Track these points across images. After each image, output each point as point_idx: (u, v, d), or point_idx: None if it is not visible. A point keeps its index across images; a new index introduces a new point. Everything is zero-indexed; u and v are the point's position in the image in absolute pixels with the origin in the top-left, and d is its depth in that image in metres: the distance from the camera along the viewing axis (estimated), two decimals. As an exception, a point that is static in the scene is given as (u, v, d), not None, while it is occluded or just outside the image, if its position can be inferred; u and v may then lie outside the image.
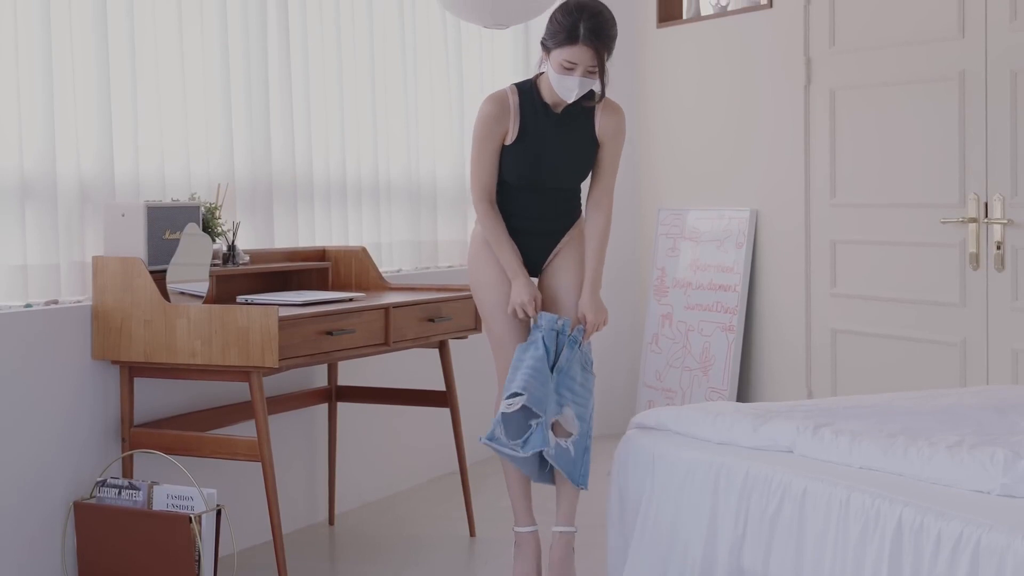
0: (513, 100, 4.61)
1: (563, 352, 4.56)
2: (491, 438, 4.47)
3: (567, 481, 4.60)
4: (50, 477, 4.49)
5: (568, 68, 4.43)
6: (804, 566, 3.49)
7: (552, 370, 4.52)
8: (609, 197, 4.72)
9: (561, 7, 4.47)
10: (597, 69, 4.44)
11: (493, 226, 4.63)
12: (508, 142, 4.60)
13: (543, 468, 4.62)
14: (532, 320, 4.61)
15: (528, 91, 4.63)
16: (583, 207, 4.77)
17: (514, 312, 4.59)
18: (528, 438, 4.42)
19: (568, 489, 4.64)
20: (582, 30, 4.38)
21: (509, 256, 4.62)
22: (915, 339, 6.14)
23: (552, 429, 4.46)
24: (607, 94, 4.64)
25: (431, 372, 5.80)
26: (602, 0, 4.53)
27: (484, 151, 4.61)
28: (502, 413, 4.44)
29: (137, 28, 4.90)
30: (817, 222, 6.66)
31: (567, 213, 4.75)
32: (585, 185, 4.77)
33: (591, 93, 4.59)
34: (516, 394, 4.41)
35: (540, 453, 4.48)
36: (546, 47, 4.51)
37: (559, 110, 4.60)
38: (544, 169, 4.62)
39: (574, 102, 4.54)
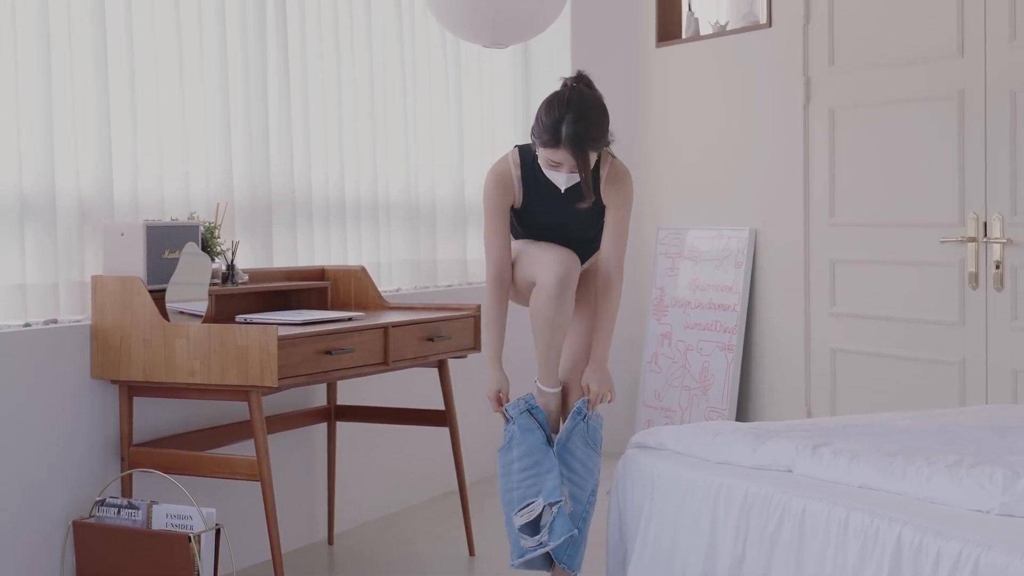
0: (515, 173, 4.58)
1: (565, 423, 4.52)
2: (521, 555, 4.40)
3: None
4: (49, 496, 4.49)
5: (553, 165, 4.38)
6: (803, 585, 3.49)
7: (551, 443, 4.48)
8: (618, 269, 4.63)
9: (547, 102, 4.37)
10: (581, 167, 4.33)
11: (493, 306, 4.60)
12: (516, 206, 4.61)
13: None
14: (500, 412, 4.57)
15: (531, 163, 4.56)
16: None
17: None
18: (552, 525, 4.34)
19: None
20: (563, 134, 4.28)
21: (494, 341, 4.59)
22: (914, 358, 6.14)
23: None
24: (615, 153, 4.62)
25: (430, 391, 5.80)
26: (591, 92, 4.44)
27: (494, 223, 4.60)
28: (519, 527, 4.40)
29: (136, 47, 4.92)
30: (816, 241, 6.66)
31: (592, 240, 4.73)
32: None
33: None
34: (529, 503, 4.38)
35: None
36: (533, 141, 4.44)
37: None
38: (553, 232, 4.64)
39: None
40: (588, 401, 4.53)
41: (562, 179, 4.40)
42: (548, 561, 4.50)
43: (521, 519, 4.39)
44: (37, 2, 4.50)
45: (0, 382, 4.31)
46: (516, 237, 4.74)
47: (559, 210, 4.58)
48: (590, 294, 4.73)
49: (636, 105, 7.77)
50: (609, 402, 4.62)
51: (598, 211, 4.62)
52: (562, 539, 4.32)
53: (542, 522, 4.38)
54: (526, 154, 4.59)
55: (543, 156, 4.38)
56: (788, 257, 6.81)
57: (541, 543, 4.36)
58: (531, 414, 4.50)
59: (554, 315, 4.46)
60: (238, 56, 5.40)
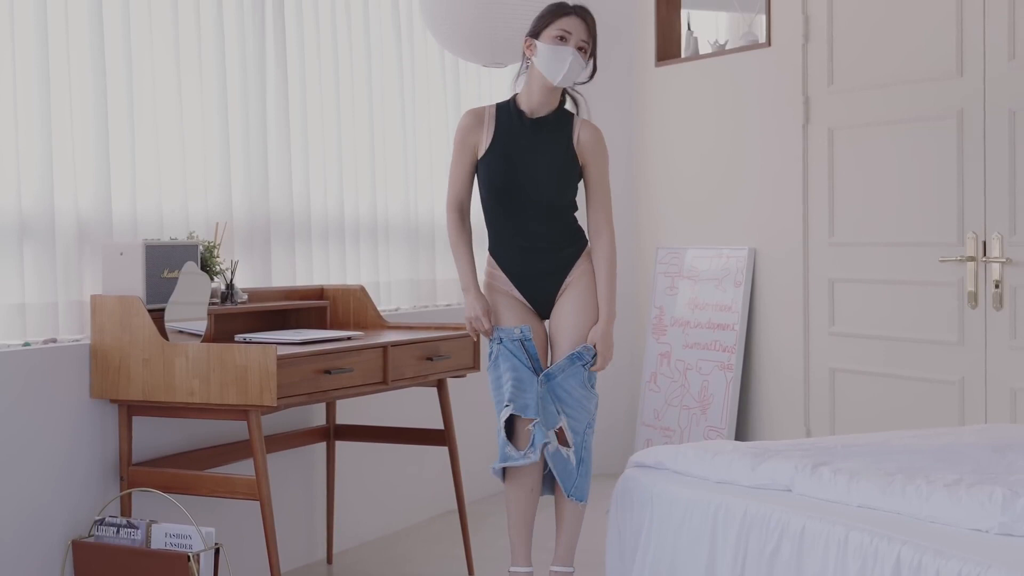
0: (489, 111, 4.74)
1: (559, 362, 4.63)
2: (504, 459, 4.54)
3: (566, 519, 4.62)
4: (48, 516, 4.48)
5: (563, 38, 4.59)
6: (803, 605, 3.48)
7: (538, 373, 4.61)
8: (608, 221, 4.76)
9: (546, 6, 4.73)
10: (588, 46, 4.62)
11: (456, 234, 4.77)
12: (482, 152, 4.70)
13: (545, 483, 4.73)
14: (486, 334, 4.71)
15: (505, 104, 4.75)
16: (585, 236, 4.80)
17: (472, 328, 4.74)
18: (533, 441, 4.49)
19: (567, 528, 4.64)
20: (572, 6, 4.62)
21: (464, 267, 4.74)
22: (913, 378, 6.13)
23: (557, 436, 4.54)
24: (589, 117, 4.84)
25: (429, 411, 5.80)
26: None
27: (458, 161, 4.75)
28: (503, 427, 4.53)
29: (135, 66, 4.92)
30: (815, 261, 6.66)
31: (563, 237, 4.74)
32: (580, 216, 4.80)
33: (567, 113, 4.74)
34: (505, 405, 4.55)
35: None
36: (534, 34, 4.65)
37: (535, 116, 4.69)
38: (518, 172, 4.66)
39: (549, 115, 4.68)
40: (595, 356, 4.66)
41: (567, 54, 4.58)
42: (550, 486, 4.71)
43: (502, 420, 4.55)
44: (35, 22, 4.51)
45: (-1, 401, 4.32)
46: (492, 221, 4.80)
47: (525, 150, 4.67)
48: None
49: (635, 124, 7.78)
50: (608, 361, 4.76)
51: (567, 158, 4.71)
52: (540, 447, 4.48)
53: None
54: (502, 102, 4.78)
55: (550, 33, 4.62)
56: (787, 276, 6.81)
57: (526, 455, 4.50)
58: (523, 345, 4.63)
59: (525, 508, 4.65)
60: (237, 75, 5.41)
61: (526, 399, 4.52)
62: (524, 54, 4.71)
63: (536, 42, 4.62)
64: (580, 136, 4.70)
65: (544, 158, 4.65)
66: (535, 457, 4.47)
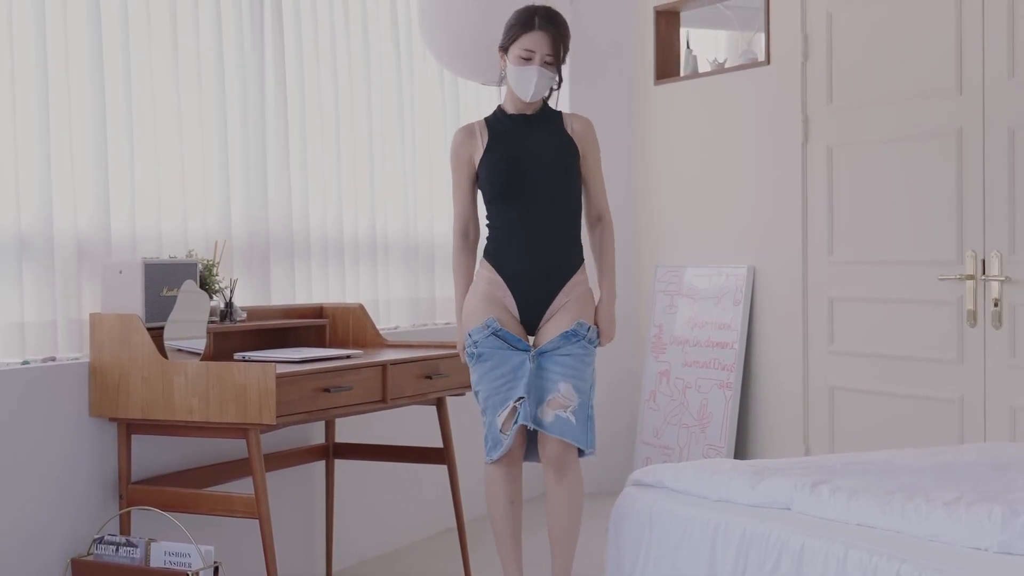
0: (479, 123, 4.79)
1: (552, 339, 4.62)
2: (497, 445, 4.60)
3: (560, 539, 4.61)
4: (47, 534, 4.48)
5: (526, 58, 4.61)
6: (802, 624, 3.48)
7: (529, 352, 4.63)
8: (607, 208, 4.84)
9: (515, 11, 4.70)
10: (553, 58, 4.62)
11: (457, 261, 4.83)
12: (479, 157, 4.72)
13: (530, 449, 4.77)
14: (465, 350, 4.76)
15: (492, 115, 4.80)
16: (582, 248, 4.81)
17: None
18: (516, 419, 4.53)
19: (562, 547, 4.62)
20: (536, 19, 4.60)
21: (462, 296, 4.78)
22: (913, 396, 6.13)
23: (548, 405, 4.55)
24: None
25: (428, 429, 5.79)
26: None
27: (457, 182, 4.79)
28: (500, 427, 4.58)
29: (134, 84, 4.93)
30: (815, 279, 6.66)
31: (565, 237, 4.73)
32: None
33: (554, 111, 4.79)
34: (506, 407, 4.58)
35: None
36: (503, 47, 4.69)
37: (523, 114, 4.75)
38: (521, 163, 4.67)
39: (537, 112, 4.75)
40: (599, 336, 4.72)
41: (532, 74, 4.61)
42: (533, 453, 4.73)
43: (501, 418, 4.58)
44: (34, 40, 4.51)
45: (-2, 420, 4.32)
46: (493, 223, 4.79)
47: (523, 142, 4.70)
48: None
49: (634, 143, 7.79)
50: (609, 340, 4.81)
51: (564, 145, 4.74)
52: (526, 421, 4.52)
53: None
54: (488, 115, 4.83)
55: (514, 52, 4.65)
56: (786, 295, 6.81)
57: (511, 427, 4.56)
58: (497, 336, 4.63)
59: (509, 491, 4.71)
60: (236, 93, 5.42)
61: (516, 386, 4.56)
62: (500, 65, 4.78)
63: (506, 61, 4.69)
64: (573, 126, 4.78)
65: (543, 144, 4.70)
66: (515, 426, 4.52)
